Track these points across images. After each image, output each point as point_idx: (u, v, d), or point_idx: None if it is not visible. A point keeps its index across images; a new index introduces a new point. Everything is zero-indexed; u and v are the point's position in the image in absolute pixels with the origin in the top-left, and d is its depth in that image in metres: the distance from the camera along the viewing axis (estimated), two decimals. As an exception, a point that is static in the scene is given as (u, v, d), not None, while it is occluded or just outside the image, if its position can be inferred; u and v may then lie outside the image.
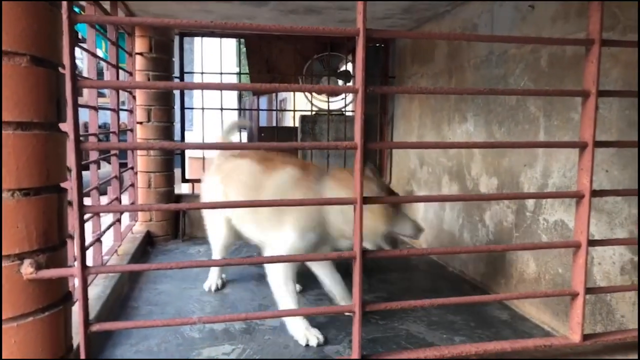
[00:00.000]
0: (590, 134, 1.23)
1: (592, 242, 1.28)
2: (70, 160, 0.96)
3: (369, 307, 1.18)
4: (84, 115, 2.57)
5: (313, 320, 2.36)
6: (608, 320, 2.03)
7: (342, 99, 4.72)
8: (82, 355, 1.02)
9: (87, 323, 1.01)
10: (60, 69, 1.04)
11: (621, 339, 1.35)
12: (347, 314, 2.06)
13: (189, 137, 4.49)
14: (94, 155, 2.59)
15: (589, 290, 1.29)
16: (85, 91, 2.84)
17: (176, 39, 4.08)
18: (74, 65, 0.94)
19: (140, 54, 3.49)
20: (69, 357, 1.07)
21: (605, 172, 2.03)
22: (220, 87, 1.01)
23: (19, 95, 0.95)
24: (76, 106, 0.94)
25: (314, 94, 4.71)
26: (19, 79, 0.95)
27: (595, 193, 1.26)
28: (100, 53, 3.51)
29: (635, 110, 1.90)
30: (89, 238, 2.54)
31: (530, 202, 2.51)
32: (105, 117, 3.01)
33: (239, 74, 5.25)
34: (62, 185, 1.08)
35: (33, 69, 0.98)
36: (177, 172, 4.07)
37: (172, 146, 0.97)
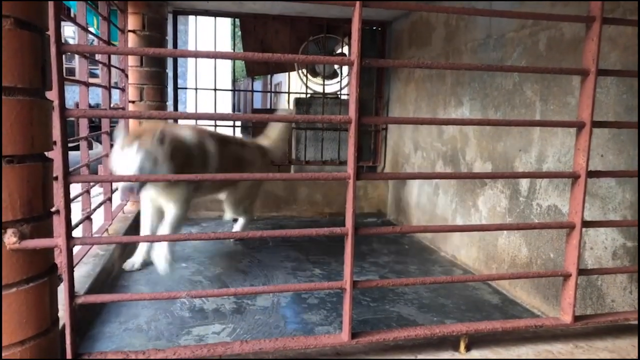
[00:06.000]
0: (588, 114, 1.21)
1: (586, 223, 1.27)
2: (56, 127, 0.93)
3: (360, 284, 1.16)
4: (76, 95, 2.52)
5: (304, 302, 2.36)
6: (598, 304, 2.04)
7: (338, 82, 4.67)
8: (68, 328, 1.00)
9: (72, 295, 0.99)
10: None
11: (612, 321, 1.34)
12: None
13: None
14: (84, 132, 2.55)
15: (582, 272, 1.28)
16: (76, 68, 2.78)
17: (170, 18, 4.01)
18: (59, 28, 0.90)
19: (133, 31, 3.43)
20: (54, 329, 1.05)
21: (600, 157, 2.02)
22: (211, 55, 0.98)
23: (3, 59, 0.91)
24: (61, 70, 0.91)
25: (309, 77, 4.66)
26: (3, 42, 0.91)
27: (591, 174, 1.24)
28: (91, 31, 3.44)
29: (632, 94, 1.88)
30: (78, 215, 2.51)
31: (523, 187, 2.50)
32: (98, 98, 2.97)
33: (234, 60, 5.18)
34: (48, 155, 1.05)
35: (17, 32, 0.94)
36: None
37: (161, 116, 0.94)
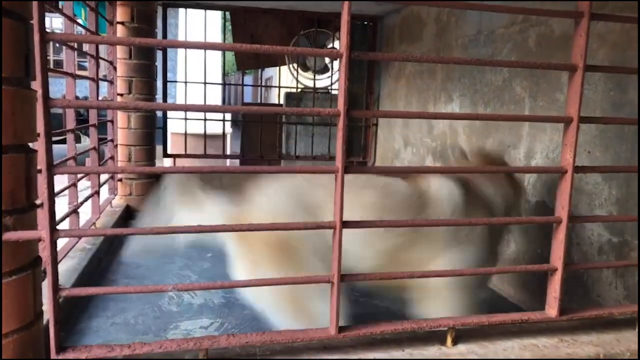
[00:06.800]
0: (575, 109, 1.22)
1: (573, 219, 1.28)
2: (39, 117, 0.91)
3: (348, 277, 1.16)
4: (64, 87, 2.49)
5: (293, 296, 2.36)
6: (584, 299, 2.06)
7: (329, 77, 4.66)
8: (51, 321, 0.98)
9: (56, 288, 0.97)
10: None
11: (597, 316, 1.36)
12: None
13: (172, 113, 4.41)
14: (71, 125, 2.52)
15: (567, 266, 1.29)
16: (63, 60, 2.71)
17: (160, 11, 3.97)
18: (42, 16, 0.89)
19: (122, 23, 3.38)
20: (38, 323, 1.03)
21: (587, 154, 2.04)
22: (200, 45, 0.97)
23: (-16, 47, 0.90)
24: (44, 59, 0.89)
25: (300, 71, 4.64)
26: (-16, 30, 0.89)
27: (578, 169, 1.25)
28: (79, 22, 3.39)
29: (619, 91, 1.90)
30: (65, 209, 2.48)
31: (512, 183, 2.52)
32: (87, 91, 2.94)
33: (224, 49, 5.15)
34: (32, 146, 1.03)
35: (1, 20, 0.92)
36: (159, 149, 3.99)
37: (148, 106, 0.93)
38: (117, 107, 1.13)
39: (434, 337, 1.28)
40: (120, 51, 3.44)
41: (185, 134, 4.24)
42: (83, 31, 2.79)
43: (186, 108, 0.95)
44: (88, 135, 2.95)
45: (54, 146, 0.99)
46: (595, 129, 1.99)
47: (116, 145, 3.55)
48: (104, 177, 3.47)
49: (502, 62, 1.08)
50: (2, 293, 0.94)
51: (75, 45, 2.54)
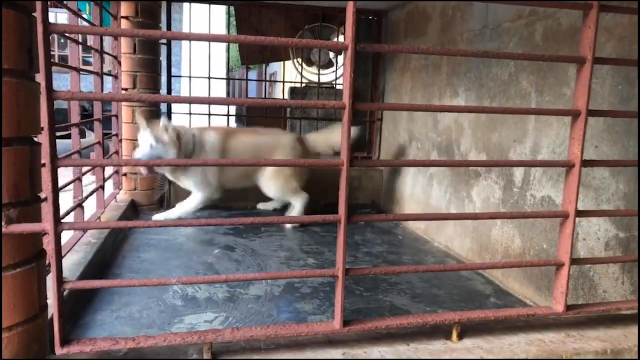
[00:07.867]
0: (583, 102, 1.20)
1: (580, 213, 1.27)
2: (43, 109, 0.91)
3: (352, 272, 1.16)
4: (68, 83, 2.48)
5: (297, 291, 2.35)
6: (590, 295, 2.04)
7: (333, 72, 4.65)
8: (56, 314, 0.98)
9: (60, 280, 0.97)
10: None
11: (604, 311, 1.35)
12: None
13: (175, 107, 4.40)
14: (75, 119, 2.52)
15: (574, 261, 1.28)
16: (68, 55, 2.69)
17: (163, 5, 3.96)
18: (46, 7, 0.88)
19: (126, 17, 3.38)
20: (43, 316, 1.03)
21: (594, 148, 2.02)
22: (203, 37, 0.96)
23: (-13, 39, 0.89)
24: (48, 51, 0.89)
25: (304, 66, 4.63)
26: (-13, 22, 0.89)
27: (585, 163, 1.24)
28: (84, 17, 3.38)
29: (627, 85, 1.88)
30: (70, 203, 2.48)
31: (517, 178, 2.50)
32: (91, 87, 2.93)
33: (228, 43, 5.13)
34: (36, 139, 1.03)
35: (3, 11, 0.92)
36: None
37: (151, 99, 0.93)
38: (121, 99, 1.12)
39: (439, 331, 1.27)
40: (125, 46, 3.44)
41: (190, 129, 4.23)
42: (87, 25, 2.78)
43: (190, 100, 0.95)
44: (93, 131, 2.95)
45: (59, 142, 0.99)
46: (603, 124, 1.97)
47: (121, 140, 3.56)
48: (108, 171, 3.48)
49: (508, 55, 1.08)
50: (7, 285, 0.94)
51: (80, 39, 2.53)
